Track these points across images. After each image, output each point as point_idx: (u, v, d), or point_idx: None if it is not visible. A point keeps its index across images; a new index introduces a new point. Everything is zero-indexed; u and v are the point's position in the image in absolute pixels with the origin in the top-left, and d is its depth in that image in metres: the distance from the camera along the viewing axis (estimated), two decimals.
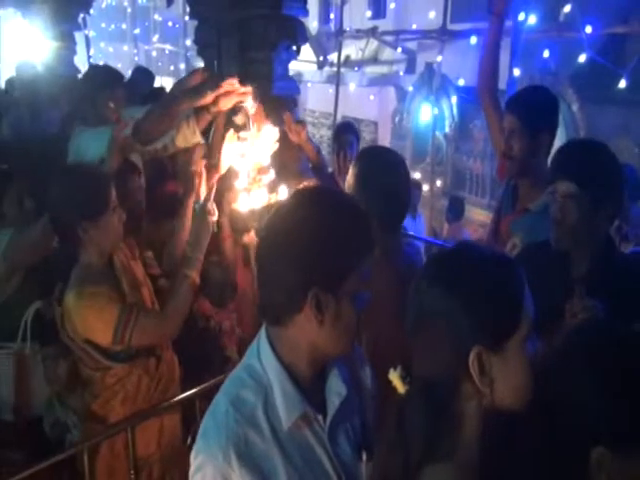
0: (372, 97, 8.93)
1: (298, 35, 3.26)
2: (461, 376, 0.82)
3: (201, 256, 1.77)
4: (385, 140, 8.98)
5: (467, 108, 7.02)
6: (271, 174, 2.06)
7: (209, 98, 1.90)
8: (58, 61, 4.53)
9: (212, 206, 1.88)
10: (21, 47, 5.15)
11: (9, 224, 1.94)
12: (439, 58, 6.70)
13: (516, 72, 5.11)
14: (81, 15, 5.19)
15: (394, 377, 0.86)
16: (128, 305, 1.63)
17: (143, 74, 4.30)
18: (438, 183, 7.35)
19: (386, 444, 0.87)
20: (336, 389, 1.02)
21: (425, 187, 6.43)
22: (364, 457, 1.02)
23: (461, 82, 6.80)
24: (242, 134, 2.01)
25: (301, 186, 1.14)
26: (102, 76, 2.63)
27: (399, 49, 8.08)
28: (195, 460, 0.96)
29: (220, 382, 1.74)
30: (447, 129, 7.58)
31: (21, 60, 4.13)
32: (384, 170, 1.63)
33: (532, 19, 4.86)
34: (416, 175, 7.60)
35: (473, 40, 5.89)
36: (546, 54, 5.25)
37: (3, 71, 6.25)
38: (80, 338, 1.62)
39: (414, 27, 7.61)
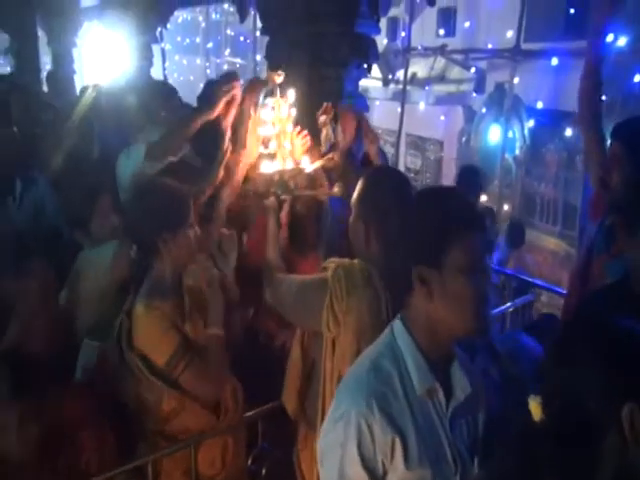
0: (442, 117, 8.82)
1: (370, 53, 3.27)
2: (608, 424, 0.85)
3: (220, 312, 1.74)
4: (450, 160, 8.84)
5: (540, 131, 6.79)
6: (297, 142, 2.09)
7: (219, 109, 2.01)
8: (137, 72, 4.77)
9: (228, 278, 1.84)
10: (102, 58, 5.45)
11: (96, 239, 2.03)
12: (516, 80, 6.51)
13: None
14: (158, 29, 5.47)
15: (534, 403, 0.91)
16: (188, 343, 1.64)
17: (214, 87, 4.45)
18: (505, 207, 7.13)
19: (508, 459, 0.93)
20: (462, 385, 1.12)
21: None
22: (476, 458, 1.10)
23: (539, 105, 6.58)
24: (267, 101, 2.06)
25: None
26: (156, 87, 2.75)
27: (472, 69, 7.94)
28: (337, 410, 1.08)
29: (283, 404, 1.76)
30: (517, 151, 7.37)
31: (109, 80, 4.35)
32: (384, 192, 1.59)
33: (622, 41, 4.65)
34: (482, 198, 7.39)
35: (554, 61, 5.67)
36: (637, 78, 5.00)
37: (85, 80, 6.67)
38: (136, 351, 1.63)
39: (490, 46, 7.44)
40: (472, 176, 4.02)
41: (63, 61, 6.36)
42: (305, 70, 3.19)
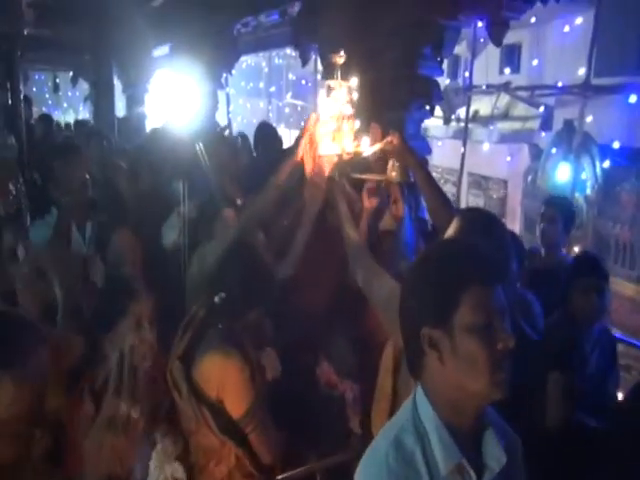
0: (507, 156, 8.66)
1: (432, 95, 3.28)
2: None
3: None
4: (515, 200, 8.62)
5: (614, 169, 6.52)
6: (356, 124, 2.07)
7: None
8: (203, 118, 5.03)
9: None
10: (171, 103, 5.78)
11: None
12: (589, 119, 6.31)
13: None
14: (224, 75, 5.78)
15: None
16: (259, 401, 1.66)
17: (266, 134, 4.39)
18: (576, 249, 6.80)
19: None
20: (496, 454, 1.02)
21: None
22: None
23: (615, 143, 6.34)
24: (330, 82, 2.06)
25: None
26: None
27: (541, 108, 7.79)
28: None
29: (343, 459, 1.71)
30: (589, 191, 7.07)
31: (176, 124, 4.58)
32: (476, 233, 1.58)
33: None
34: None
35: (633, 98, 5.46)
36: None
37: (153, 124, 7.10)
38: (207, 402, 1.62)
39: (560, 84, 7.26)
40: (566, 203, 3.28)
41: (136, 107, 6.82)
42: (368, 113, 3.25)
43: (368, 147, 2.07)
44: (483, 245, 1.04)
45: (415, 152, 2.20)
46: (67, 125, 7.14)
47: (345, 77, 2.08)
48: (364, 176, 2.05)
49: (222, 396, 1.62)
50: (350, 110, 2.05)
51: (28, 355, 1.00)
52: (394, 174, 2.07)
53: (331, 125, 2.06)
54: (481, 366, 0.95)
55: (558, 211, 3.04)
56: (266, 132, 4.24)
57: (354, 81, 2.08)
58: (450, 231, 1.70)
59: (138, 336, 1.61)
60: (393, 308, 1.56)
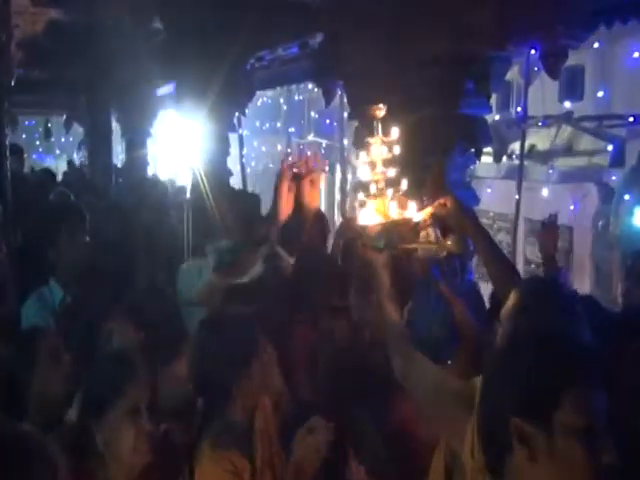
0: (571, 198, 8.58)
1: (479, 137, 3.30)
2: None
3: None
4: (584, 250, 8.49)
5: None
6: (402, 186, 2.03)
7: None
8: (211, 164, 5.15)
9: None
10: (176, 150, 5.97)
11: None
12: None
13: None
14: (236, 115, 5.96)
15: None
16: None
17: None
18: None
19: None
20: None
21: None
22: None
23: None
24: (369, 140, 2.02)
25: None
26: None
27: (610, 147, 7.75)
28: None
29: None
30: None
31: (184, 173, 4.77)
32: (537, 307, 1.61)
33: None
34: None
35: None
36: None
37: (158, 171, 7.32)
38: None
39: (631, 119, 7.17)
40: None
41: (137, 153, 7.04)
42: (400, 158, 3.28)
43: (416, 212, 2.02)
44: (587, 340, 1.13)
45: (475, 216, 2.19)
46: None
47: (386, 131, 2.08)
48: (414, 246, 2.03)
49: None
50: (393, 172, 2.02)
51: None
52: (449, 243, 2.04)
53: (372, 189, 2.02)
54: (581, 473, 0.97)
55: None
56: None
57: (395, 133, 2.04)
58: (508, 306, 1.71)
59: (133, 424, 1.61)
60: (443, 402, 1.55)
